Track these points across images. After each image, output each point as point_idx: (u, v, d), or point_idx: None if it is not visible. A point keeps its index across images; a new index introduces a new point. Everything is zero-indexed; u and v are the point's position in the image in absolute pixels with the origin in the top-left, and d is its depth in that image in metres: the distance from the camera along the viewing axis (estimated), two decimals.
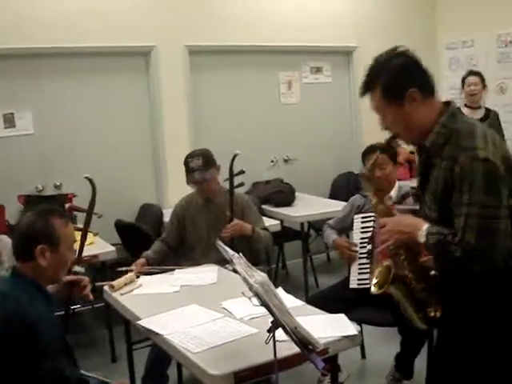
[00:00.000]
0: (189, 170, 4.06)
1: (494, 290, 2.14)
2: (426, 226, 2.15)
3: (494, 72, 6.85)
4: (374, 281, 2.46)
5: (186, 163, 4.09)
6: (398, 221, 2.33)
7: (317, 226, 6.01)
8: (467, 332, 2.24)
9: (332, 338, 2.40)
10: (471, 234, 2.02)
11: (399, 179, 3.97)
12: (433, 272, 2.38)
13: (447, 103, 2.25)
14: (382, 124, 2.30)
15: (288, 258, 6.49)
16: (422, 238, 2.14)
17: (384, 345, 4.16)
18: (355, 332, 2.45)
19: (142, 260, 3.95)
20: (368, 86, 2.25)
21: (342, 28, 6.98)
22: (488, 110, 5.81)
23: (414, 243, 2.23)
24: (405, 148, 5.91)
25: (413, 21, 7.48)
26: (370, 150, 3.74)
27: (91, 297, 2.79)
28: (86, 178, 3.51)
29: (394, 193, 3.81)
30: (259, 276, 1.86)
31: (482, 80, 5.84)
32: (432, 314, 2.34)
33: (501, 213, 2.03)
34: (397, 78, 2.17)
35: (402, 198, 3.79)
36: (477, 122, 2.20)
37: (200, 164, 4.02)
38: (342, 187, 6.54)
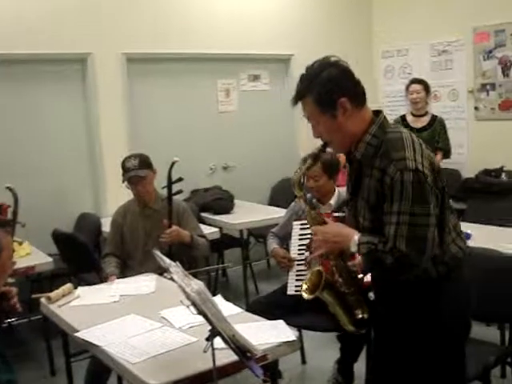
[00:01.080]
0: (125, 170, 4.07)
1: (426, 294, 2.21)
2: (356, 236, 2.20)
3: (427, 80, 7.02)
4: (304, 286, 2.50)
5: (123, 164, 4.10)
6: (328, 230, 2.36)
7: (256, 233, 6.05)
8: (401, 334, 2.30)
9: (271, 345, 2.41)
10: (402, 241, 2.08)
11: (339, 185, 4.03)
12: (360, 275, 2.45)
13: (377, 112, 2.29)
14: (314, 132, 2.33)
15: (212, 271, 6.48)
16: (353, 248, 2.19)
17: (324, 349, 4.21)
18: (293, 338, 2.47)
19: (114, 277, 3.87)
20: (300, 96, 2.28)
21: (279, 36, 7.04)
22: (433, 117, 5.95)
23: (345, 250, 2.29)
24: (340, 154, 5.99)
25: (349, 29, 7.62)
26: (307, 158, 3.79)
27: (19, 308, 2.72)
28: (8, 187, 3.44)
29: (333, 200, 3.87)
30: (196, 285, 1.86)
31: (426, 87, 5.97)
32: (360, 316, 2.41)
33: (430, 221, 2.09)
34: (328, 88, 2.19)
35: (342, 204, 3.85)
36: (404, 131, 2.23)
37: (136, 164, 4.03)
38: (282, 193, 6.58)
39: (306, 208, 2.51)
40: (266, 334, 2.52)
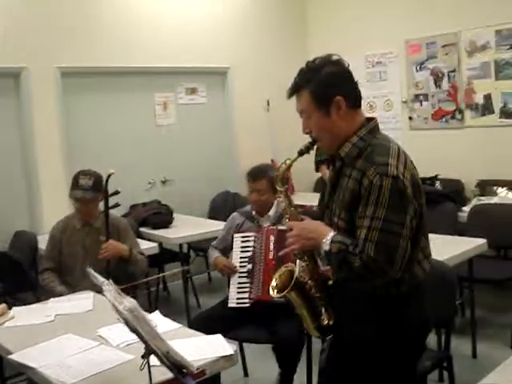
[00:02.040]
0: (75, 186, 4.00)
1: (382, 313, 2.22)
2: (331, 233, 2.17)
3: (363, 91, 7.11)
4: (274, 284, 2.46)
5: (76, 178, 4.02)
6: (304, 226, 2.32)
7: (196, 246, 6.03)
8: (352, 348, 2.32)
9: (208, 360, 2.40)
10: (371, 246, 2.06)
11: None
12: (330, 282, 2.40)
13: (370, 119, 2.30)
14: (305, 128, 2.32)
15: (169, 280, 6.44)
16: (326, 246, 2.16)
17: (266, 361, 4.21)
18: (231, 352, 2.46)
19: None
20: (297, 87, 2.28)
21: (216, 49, 7.06)
22: None
23: (318, 250, 2.26)
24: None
25: (286, 42, 7.73)
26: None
27: None
28: None
29: (272, 212, 3.89)
30: (128, 302, 1.84)
31: None
32: (325, 322, 2.38)
33: (403, 231, 2.08)
34: (326, 84, 2.21)
35: (281, 217, 3.86)
36: (393, 142, 2.24)
37: (89, 184, 3.97)
38: (221, 206, 6.60)
39: (284, 203, 2.45)
40: (203, 349, 2.50)
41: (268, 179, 3.81)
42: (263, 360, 4.26)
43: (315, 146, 2.35)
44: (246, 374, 4.30)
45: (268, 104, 7.45)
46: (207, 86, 7.18)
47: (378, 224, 2.06)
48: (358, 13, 7.39)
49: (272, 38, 7.61)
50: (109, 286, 2.01)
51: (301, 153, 2.37)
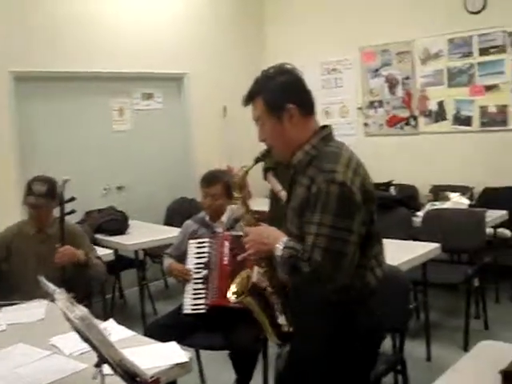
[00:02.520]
0: (29, 192, 3.93)
1: (332, 320, 2.23)
2: (284, 239, 2.19)
3: (319, 98, 7.17)
4: (234, 289, 2.48)
5: (29, 184, 3.96)
6: (259, 231, 2.34)
7: (152, 253, 5.99)
8: (304, 354, 2.33)
9: (163, 367, 2.37)
10: (318, 253, 2.07)
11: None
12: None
13: (324, 126, 2.33)
14: (260, 135, 2.35)
15: (125, 287, 6.38)
16: (278, 252, 2.17)
17: (223, 368, 4.19)
18: (186, 359, 2.44)
19: None
20: (252, 95, 2.31)
21: (172, 55, 7.04)
22: None
23: (273, 256, 2.25)
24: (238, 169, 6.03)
25: (243, 48, 7.76)
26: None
27: None
28: None
29: (225, 217, 3.89)
30: (80, 311, 1.81)
31: None
32: (286, 329, 2.39)
33: (350, 237, 2.09)
34: (279, 92, 2.25)
35: (234, 222, 3.87)
36: (346, 149, 2.25)
37: (43, 191, 3.91)
38: (177, 213, 6.56)
39: (242, 210, 2.47)
40: (158, 356, 2.48)
41: (223, 184, 3.82)
42: (220, 366, 4.24)
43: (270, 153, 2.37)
44: (202, 381, 4.29)
45: (225, 110, 7.45)
46: (164, 91, 7.15)
47: (324, 230, 2.08)
48: (314, 21, 7.47)
49: (229, 45, 7.64)
50: (60, 295, 1.98)
51: (257, 160, 2.41)
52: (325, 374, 2.26)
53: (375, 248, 2.28)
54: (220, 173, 3.99)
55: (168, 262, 3.95)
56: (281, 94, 2.24)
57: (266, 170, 5.89)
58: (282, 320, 2.41)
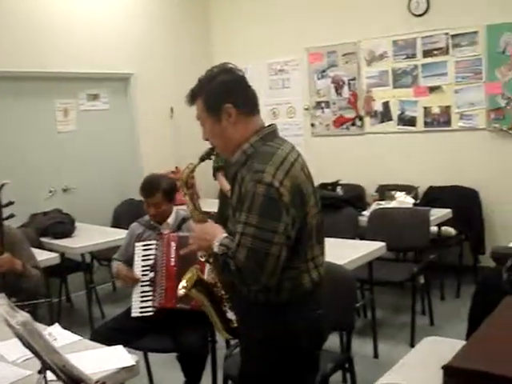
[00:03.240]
0: None
1: (263, 319, 2.25)
2: (222, 236, 2.21)
3: (266, 98, 7.26)
4: (184, 283, 2.49)
5: None
6: (202, 228, 2.36)
7: (100, 255, 5.91)
8: (247, 353, 2.36)
9: (109, 371, 2.35)
10: (242, 252, 2.09)
11: (181, 204, 4.02)
12: None
13: (269, 126, 2.33)
14: (203, 135, 2.36)
15: (73, 291, 6.28)
16: (215, 248, 2.19)
17: (172, 370, 4.16)
18: (132, 362, 2.42)
19: None
20: (193, 96, 2.32)
21: (118, 55, 6.97)
22: None
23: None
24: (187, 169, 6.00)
25: (189, 49, 7.74)
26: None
27: None
28: None
29: (171, 219, 3.87)
30: (22, 317, 1.78)
31: None
32: (235, 325, 2.43)
33: (275, 238, 2.08)
34: (217, 93, 2.25)
35: (181, 222, 3.85)
36: (284, 149, 2.24)
37: None
38: (125, 215, 6.47)
39: (190, 207, 2.48)
40: (103, 360, 2.45)
41: (162, 192, 3.80)
42: (169, 369, 4.21)
43: (215, 152, 2.40)
44: None
45: (172, 111, 7.41)
46: (110, 92, 7.07)
47: (249, 230, 2.09)
48: (261, 22, 7.50)
49: (176, 45, 7.60)
50: (1, 300, 1.94)
51: (202, 159, 2.43)
52: (261, 377, 2.28)
53: (313, 250, 2.28)
54: (157, 180, 3.92)
55: (115, 264, 3.91)
56: (219, 94, 2.25)
57: (215, 170, 5.89)
58: (231, 315, 2.45)
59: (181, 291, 2.48)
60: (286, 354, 2.24)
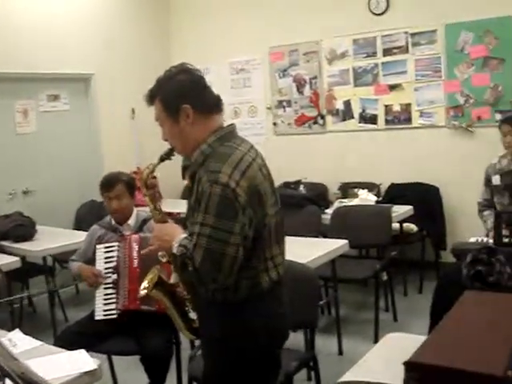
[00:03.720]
0: None
1: (221, 318, 2.25)
2: (181, 236, 2.21)
3: (228, 97, 7.23)
4: (145, 284, 2.50)
5: None
6: (162, 228, 2.37)
7: (62, 258, 5.82)
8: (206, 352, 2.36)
9: (71, 376, 2.32)
10: (198, 253, 2.09)
11: (142, 205, 4.00)
12: None
13: (227, 126, 2.33)
14: (162, 135, 2.36)
15: (34, 294, 6.19)
16: (174, 249, 2.20)
17: (136, 373, 4.12)
18: (94, 366, 2.39)
19: None
20: (151, 96, 2.31)
21: (79, 55, 6.89)
22: None
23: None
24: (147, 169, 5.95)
25: (149, 49, 7.70)
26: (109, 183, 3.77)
27: None
28: None
29: (132, 221, 3.84)
30: None
31: None
32: (197, 325, 2.43)
33: (231, 239, 2.09)
34: (174, 93, 2.25)
35: (143, 223, 3.82)
36: (241, 149, 2.24)
37: None
38: (87, 216, 6.41)
39: (150, 206, 2.48)
40: (65, 365, 2.41)
41: (124, 183, 3.79)
42: (134, 372, 4.18)
43: (175, 152, 2.39)
44: None
45: (133, 112, 7.35)
46: (70, 92, 6.99)
47: (205, 231, 2.09)
48: (222, 21, 7.48)
49: (136, 46, 7.55)
50: None
51: (162, 159, 2.43)
52: (221, 376, 2.28)
53: (272, 250, 2.29)
54: (116, 173, 3.93)
55: (76, 264, 3.86)
56: (177, 95, 2.25)
57: (184, 169, 5.88)
58: (193, 315, 2.45)
59: (142, 292, 2.49)
60: (245, 352, 2.24)
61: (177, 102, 2.24)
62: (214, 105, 2.32)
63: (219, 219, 2.09)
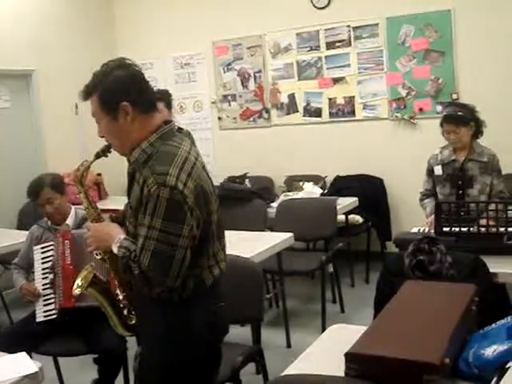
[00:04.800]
0: None
1: (164, 318, 2.24)
2: (121, 237, 2.18)
3: (173, 92, 7.13)
4: (79, 282, 2.46)
5: None
6: (99, 228, 2.34)
7: (5, 259, 5.69)
8: (147, 352, 2.36)
9: (10, 380, 2.27)
10: (146, 256, 2.07)
11: (79, 203, 3.93)
12: None
13: (167, 122, 2.27)
14: (99, 132, 2.29)
15: None
16: (115, 250, 2.17)
17: (83, 372, 4.08)
18: (35, 369, 2.34)
19: None
20: (87, 93, 2.23)
21: (18, 51, 6.72)
22: (179, 130, 5.58)
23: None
24: (92, 171, 5.87)
25: (94, 44, 7.56)
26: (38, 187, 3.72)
27: None
28: None
29: (70, 220, 3.78)
30: None
31: (166, 103, 5.72)
32: (132, 321, 2.41)
33: (181, 242, 2.07)
34: (112, 90, 2.17)
35: (82, 221, 3.75)
36: (184, 149, 2.21)
37: None
38: (30, 216, 6.27)
39: (85, 204, 2.43)
40: (6, 369, 2.36)
41: (48, 185, 3.73)
42: (81, 371, 4.13)
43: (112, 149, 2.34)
44: None
45: (76, 107, 7.22)
46: (10, 89, 6.81)
47: (153, 234, 2.07)
48: (165, 15, 7.42)
49: (79, 40, 7.40)
50: None
51: (97, 156, 2.37)
52: (164, 375, 2.27)
53: (214, 246, 2.28)
54: (38, 178, 3.85)
55: (19, 281, 3.79)
56: (115, 92, 2.18)
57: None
58: (127, 312, 2.42)
59: (76, 290, 2.46)
60: (190, 349, 2.23)
61: (116, 99, 2.17)
62: (153, 101, 2.27)
63: (168, 222, 2.06)
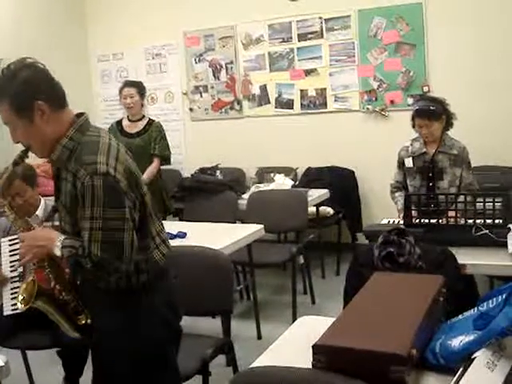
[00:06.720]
0: None
1: (125, 306, 2.23)
2: (61, 238, 2.15)
3: (144, 83, 7.11)
4: (20, 297, 2.44)
5: None
6: (34, 235, 2.32)
7: None
8: (104, 345, 2.32)
9: None
10: (96, 247, 2.06)
11: (50, 195, 3.88)
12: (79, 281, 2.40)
13: (80, 115, 2.24)
14: (14, 138, 2.21)
15: None
16: (57, 252, 2.14)
17: (53, 366, 4.03)
18: (1, 363, 2.32)
19: None
20: None
21: None
22: (149, 122, 5.54)
23: (54, 256, 2.21)
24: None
25: (64, 34, 7.40)
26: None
27: None
28: None
29: (40, 211, 3.73)
30: None
31: (140, 90, 5.63)
32: (83, 321, 2.40)
33: (125, 225, 2.08)
34: (24, 91, 2.10)
35: (53, 212, 3.71)
36: (103, 135, 2.21)
37: None
38: None
39: (10, 217, 2.40)
40: None
41: (21, 178, 3.64)
42: (50, 365, 4.08)
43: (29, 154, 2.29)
44: (31, 383, 4.09)
45: None
46: None
47: (98, 224, 2.06)
48: (136, 5, 7.33)
49: (48, 34, 7.22)
50: None
51: (15, 163, 2.33)
52: (128, 362, 2.26)
53: (155, 226, 2.31)
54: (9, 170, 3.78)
55: None
56: (27, 93, 2.11)
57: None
58: (76, 313, 2.42)
59: (21, 306, 2.43)
60: (152, 330, 2.25)
61: (29, 101, 2.11)
62: (64, 96, 2.23)
63: (109, 209, 2.06)
